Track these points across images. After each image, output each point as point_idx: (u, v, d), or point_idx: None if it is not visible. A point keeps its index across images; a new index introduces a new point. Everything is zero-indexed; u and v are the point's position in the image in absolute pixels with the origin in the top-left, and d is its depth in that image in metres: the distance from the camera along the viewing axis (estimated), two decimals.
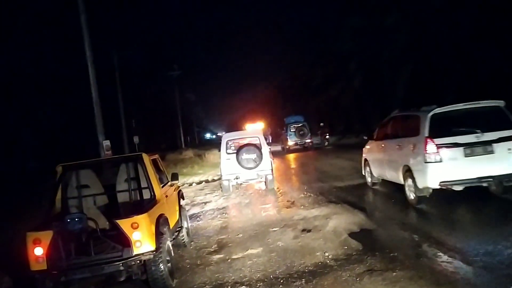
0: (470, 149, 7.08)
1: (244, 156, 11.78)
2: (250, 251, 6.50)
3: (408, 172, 7.91)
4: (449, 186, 7.21)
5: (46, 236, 4.75)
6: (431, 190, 7.45)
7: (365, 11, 29.08)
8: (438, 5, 21.95)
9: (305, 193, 10.91)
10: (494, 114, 7.42)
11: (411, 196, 7.88)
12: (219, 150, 12.83)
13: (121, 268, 4.89)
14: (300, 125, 27.43)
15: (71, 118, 25.90)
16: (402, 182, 8.25)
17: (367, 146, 10.88)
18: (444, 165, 7.14)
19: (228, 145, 12.45)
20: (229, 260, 6.22)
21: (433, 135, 7.26)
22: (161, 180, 6.60)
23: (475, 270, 4.63)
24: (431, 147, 7.20)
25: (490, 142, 7.08)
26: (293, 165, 20.02)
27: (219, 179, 14.07)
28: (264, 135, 13.30)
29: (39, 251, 4.74)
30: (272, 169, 12.27)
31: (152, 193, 5.94)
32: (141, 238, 4.86)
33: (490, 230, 6.04)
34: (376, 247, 5.81)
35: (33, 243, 4.74)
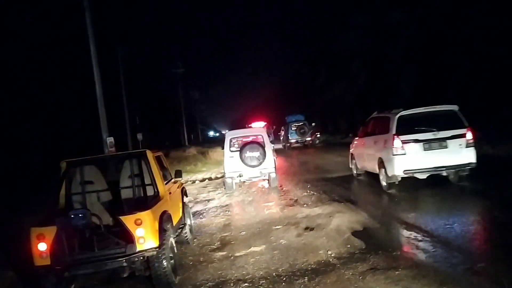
0: (428, 144, 8.88)
1: (248, 154, 11.77)
2: (253, 249, 6.51)
3: (381, 163, 9.63)
4: (411, 174, 9.02)
5: (50, 231, 4.76)
6: (399, 178, 9.12)
7: (370, 10, 29.02)
8: (444, 2, 21.88)
9: (308, 191, 10.90)
10: (449, 116, 9.16)
11: (384, 183, 9.60)
12: (222, 148, 12.83)
13: (125, 264, 4.89)
14: (301, 123, 29.01)
15: (75, 115, 25.96)
16: (377, 172, 9.93)
17: (354, 143, 12.53)
18: (407, 157, 8.90)
19: (232, 143, 12.44)
20: (232, 258, 6.23)
21: (399, 132, 9.00)
22: (164, 177, 6.61)
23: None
24: (397, 142, 8.98)
25: (444, 139, 8.86)
26: (294, 160, 21.28)
27: (222, 176, 14.16)
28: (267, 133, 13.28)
29: (42, 246, 4.75)
30: (275, 167, 12.25)
31: (156, 190, 5.96)
32: (144, 235, 4.87)
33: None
34: (379, 246, 5.79)
35: (37, 239, 4.76)
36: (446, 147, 8.86)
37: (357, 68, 32.63)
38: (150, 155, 6.13)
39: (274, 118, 48.33)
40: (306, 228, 7.26)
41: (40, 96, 23.12)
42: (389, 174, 9.21)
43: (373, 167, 10.27)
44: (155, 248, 4.94)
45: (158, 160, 6.66)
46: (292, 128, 28.93)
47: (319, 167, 16.60)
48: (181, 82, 44.01)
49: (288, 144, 29.15)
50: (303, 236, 6.87)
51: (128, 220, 4.85)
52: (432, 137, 8.90)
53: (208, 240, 7.41)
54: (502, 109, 19.22)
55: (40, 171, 17.04)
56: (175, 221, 6.31)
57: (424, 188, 9.27)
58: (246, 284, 5.11)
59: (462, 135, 8.91)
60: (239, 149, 12.07)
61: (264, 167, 11.88)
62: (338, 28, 34.19)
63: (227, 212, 9.82)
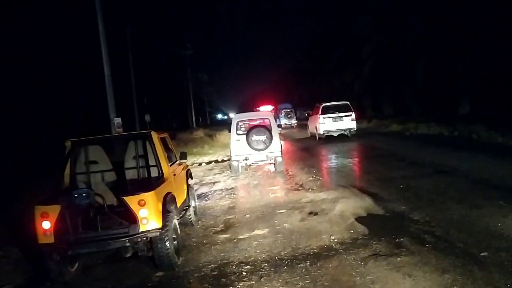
0: (335, 119, 19.46)
1: (254, 137, 11.76)
2: (256, 232, 6.52)
3: (316, 128, 20.44)
4: (328, 133, 19.69)
5: (54, 210, 4.79)
6: (324, 135, 19.78)
7: None
8: None
9: (314, 176, 10.88)
10: (345, 106, 19.97)
11: (317, 137, 20.57)
12: (229, 131, 12.81)
13: (127, 244, 4.92)
14: (288, 110, 38.35)
15: (84, 95, 26.02)
16: (315, 132, 20.71)
17: (309, 118, 23.47)
18: (325, 125, 19.60)
19: (238, 126, 12.46)
20: (235, 240, 6.25)
21: (322, 113, 19.65)
22: (169, 159, 6.60)
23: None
24: (321, 118, 19.58)
25: (342, 117, 19.45)
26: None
27: (229, 159, 14.13)
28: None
29: (46, 224, 4.79)
30: (281, 151, 12.22)
31: (160, 171, 5.96)
32: (147, 215, 4.88)
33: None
34: (382, 232, 5.77)
35: (41, 217, 4.80)
36: (342, 120, 19.54)
37: (367, 54, 32.33)
38: (155, 136, 6.11)
39: (283, 101, 48.25)
40: (310, 213, 7.25)
41: (48, 77, 23.15)
42: (319, 132, 20.04)
43: (313, 130, 21.49)
44: (158, 229, 4.96)
45: (163, 141, 6.65)
46: (282, 114, 37.75)
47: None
48: (189, 64, 43.86)
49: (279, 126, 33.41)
50: (306, 220, 6.86)
51: (131, 201, 4.86)
52: (336, 115, 19.53)
53: (212, 223, 7.44)
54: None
55: (48, 151, 17.16)
56: (179, 203, 6.32)
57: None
58: (248, 266, 5.13)
59: (350, 115, 19.54)
60: (245, 132, 12.06)
61: (271, 150, 11.86)
62: (350, 13, 33.79)
63: (232, 195, 9.83)
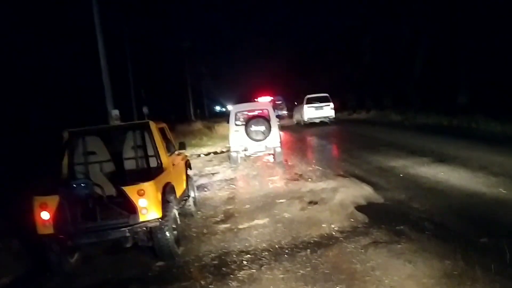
0: (316, 108, 23.61)
1: (253, 128, 11.70)
2: (256, 222, 6.52)
3: (301, 115, 24.80)
4: (311, 120, 23.82)
5: (53, 200, 4.78)
6: (307, 121, 23.97)
7: None
8: None
9: (313, 166, 10.87)
10: (326, 97, 23.76)
11: (302, 123, 24.84)
12: (228, 122, 12.76)
13: (127, 234, 4.92)
14: (279, 102, 41.63)
15: (81, 86, 25.88)
16: (300, 119, 25.14)
17: (294, 108, 29.65)
18: (308, 113, 23.79)
19: (237, 117, 12.42)
20: (235, 230, 6.25)
21: (307, 103, 23.96)
22: (168, 149, 6.58)
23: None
24: (305, 107, 23.98)
25: (322, 106, 23.53)
26: None
27: (228, 151, 14.09)
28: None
29: (45, 215, 4.77)
30: (280, 142, 12.19)
31: (159, 161, 5.93)
32: (147, 205, 4.87)
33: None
34: (382, 220, 5.77)
35: (40, 207, 4.78)
36: (322, 109, 23.37)
37: (367, 46, 32.26)
38: (153, 126, 6.08)
39: (283, 94, 48.22)
40: (310, 202, 7.25)
41: (45, 67, 23.01)
42: (304, 119, 24.04)
43: (298, 118, 25.95)
44: (158, 219, 4.96)
45: (162, 131, 6.62)
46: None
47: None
48: (187, 56, 43.57)
49: (278, 117, 36.88)
50: (306, 210, 6.86)
51: (131, 191, 4.84)
52: (318, 105, 23.41)
53: (212, 213, 7.44)
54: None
55: (45, 143, 17.08)
56: (178, 193, 6.31)
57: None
58: (248, 255, 5.13)
59: (329, 105, 23.30)
60: (244, 123, 12.02)
61: (269, 141, 11.82)
62: (349, 3, 33.61)
63: (231, 185, 9.83)
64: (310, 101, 23.93)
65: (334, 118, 23.72)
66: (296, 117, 27.46)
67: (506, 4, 18.53)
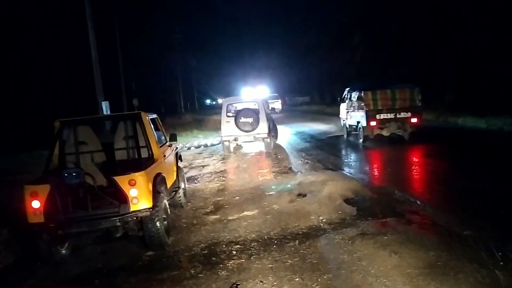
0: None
1: (242, 119, 12.32)
2: (245, 213, 6.59)
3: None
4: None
5: (44, 189, 4.78)
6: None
7: None
8: None
9: (303, 159, 10.96)
10: (277, 96, 40.28)
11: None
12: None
13: (118, 223, 4.94)
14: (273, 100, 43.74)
15: (71, 78, 25.65)
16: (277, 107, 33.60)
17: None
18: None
19: (228, 109, 13.04)
20: (224, 221, 6.31)
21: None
22: (159, 140, 6.60)
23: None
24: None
25: (273, 102, 33.69)
26: None
27: (218, 143, 14.92)
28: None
29: (36, 204, 4.77)
30: (268, 133, 12.58)
31: (150, 152, 5.95)
32: (138, 195, 4.90)
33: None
34: (369, 212, 5.89)
35: (31, 196, 4.78)
36: (273, 103, 31.07)
37: (358, 40, 32.40)
38: (145, 117, 6.10)
39: (275, 87, 48.56)
40: (299, 195, 7.34)
41: (34, 59, 22.77)
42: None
43: (277, 106, 34.49)
44: (149, 208, 4.98)
45: (153, 122, 6.63)
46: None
47: None
48: (178, 49, 43.33)
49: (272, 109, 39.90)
50: (295, 202, 6.95)
51: (122, 181, 4.87)
52: (272, 101, 30.78)
53: (202, 204, 7.49)
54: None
55: (36, 133, 16.98)
56: (169, 184, 6.35)
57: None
58: (238, 246, 5.20)
59: (278, 101, 38.69)
60: (234, 114, 12.57)
61: (258, 132, 12.37)
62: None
63: (221, 177, 9.88)
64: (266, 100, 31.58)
65: (281, 109, 36.13)
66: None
67: (492, 4, 18.79)
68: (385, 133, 12.36)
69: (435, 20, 22.77)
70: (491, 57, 19.80)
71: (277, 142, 14.43)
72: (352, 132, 14.25)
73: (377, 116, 12.16)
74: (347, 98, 14.57)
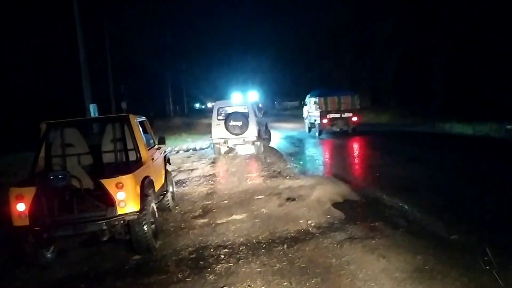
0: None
1: (232, 123, 12.49)
2: (234, 217, 6.56)
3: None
4: None
5: (29, 192, 4.70)
6: None
7: None
8: None
9: (292, 164, 10.98)
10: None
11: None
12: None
13: (104, 227, 4.87)
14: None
15: (58, 81, 25.42)
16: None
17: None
18: None
19: (219, 112, 13.21)
20: (213, 225, 6.27)
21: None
22: (148, 143, 6.54)
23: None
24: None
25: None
26: None
27: (207, 147, 15.20)
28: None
29: (21, 206, 4.69)
30: (258, 136, 12.76)
31: (138, 155, 5.88)
32: (125, 198, 4.84)
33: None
34: (358, 217, 5.91)
35: (16, 199, 4.70)
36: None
37: (346, 47, 32.68)
38: (133, 119, 6.03)
39: (265, 90, 48.82)
40: (288, 199, 7.33)
41: (23, 62, 22.53)
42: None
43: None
44: (136, 212, 4.93)
45: (142, 125, 6.57)
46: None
47: None
48: (168, 52, 43.20)
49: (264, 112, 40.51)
50: (284, 206, 6.94)
51: (109, 183, 4.81)
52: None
53: (190, 208, 7.44)
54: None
55: (23, 135, 16.76)
56: (157, 187, 6.29)
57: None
58: (226, 249, 5.17)
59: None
60: (224, 118, 12.74)
61: (247, 135, 12.54)
62: (331, 4, 33.96)
63: (210, 181, 9.83)
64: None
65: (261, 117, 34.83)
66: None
67: (479, 12, 19.09)
68: (335, 128, 16.82)
69: (423, 26, 23.07)
70: (479, 64, 20.10)
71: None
72: (312, 128, 18.55)
73: (328, 116, 16.55)
74: (308, 102, 18.69)
